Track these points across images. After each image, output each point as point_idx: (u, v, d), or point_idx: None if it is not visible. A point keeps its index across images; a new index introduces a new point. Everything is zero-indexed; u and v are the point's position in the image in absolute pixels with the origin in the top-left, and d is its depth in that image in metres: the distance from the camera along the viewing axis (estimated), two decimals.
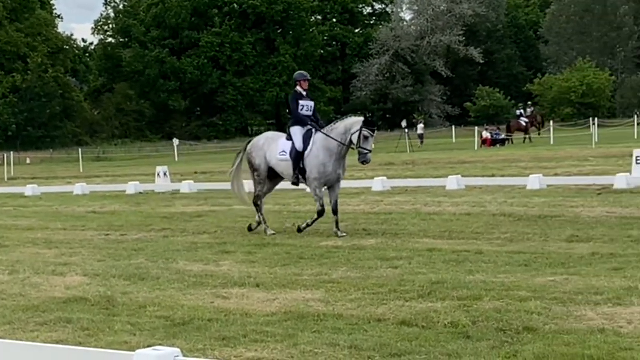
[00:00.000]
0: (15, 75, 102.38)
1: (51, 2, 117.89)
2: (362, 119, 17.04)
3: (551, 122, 66.73)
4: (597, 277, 11.04)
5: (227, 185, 30.15)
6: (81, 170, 56.79)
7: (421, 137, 74.06)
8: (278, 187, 18.89)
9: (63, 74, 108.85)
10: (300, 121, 17.36)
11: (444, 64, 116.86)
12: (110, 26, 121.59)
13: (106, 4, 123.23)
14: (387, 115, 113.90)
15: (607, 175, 24.62)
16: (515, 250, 13.54)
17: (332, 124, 17.38)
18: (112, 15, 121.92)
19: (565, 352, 7.76)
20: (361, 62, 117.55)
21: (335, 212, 16.92)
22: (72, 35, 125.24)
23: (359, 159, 17.03)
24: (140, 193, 30.73)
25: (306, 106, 17.44)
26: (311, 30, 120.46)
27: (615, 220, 16.57)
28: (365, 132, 16.75)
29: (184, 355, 6.17)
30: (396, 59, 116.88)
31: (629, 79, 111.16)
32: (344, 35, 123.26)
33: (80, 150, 71.18)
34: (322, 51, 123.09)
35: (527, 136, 62.54)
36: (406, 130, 61.97)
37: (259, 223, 17.72)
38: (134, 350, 6.30)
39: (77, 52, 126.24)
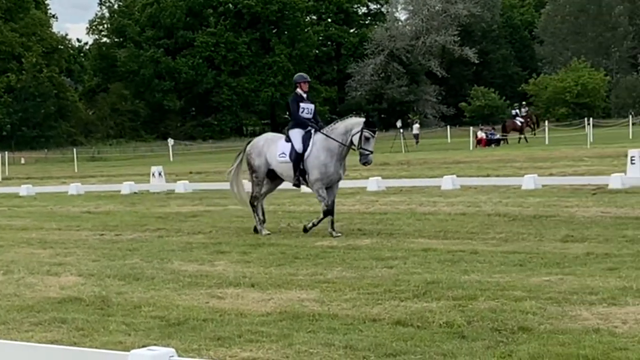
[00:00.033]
0: (10, 75, 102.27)
1: (46, 2, 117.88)
2: (362, 119, 17.00)
3: (546, 122, 66.82)
4: (592, 277, 11.04)
5: (222, 185, 30.19)
6: (76, 170, 56.71)
7: (416, 137, 74.07)
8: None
9: (57, 73, 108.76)
10: (300, 124, 17.30)
11: (439, 64, 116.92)
12: (105, 26, 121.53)
13: (101, 3, 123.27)
14: (382, 115, 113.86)
15: (601, 175, 24.64)
16: (510, 250, 13.54)
17: (331, 124, 17.33)
18: (107, 15, 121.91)
19: (560, 351, 7.77)
20: (356, 62, 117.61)
21: (332, 212, 16.91)
22: (66, 35, 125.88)
23: (360, 160, 17.00)
24: (135, 193, 30.70)
25: (307, 109, 17.39)
26: (306, 30, 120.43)
27: (610, 220, 16.58)
28: (367, 133, 16.72)
29: (179, 355, 6.16)
30: (391, 58, 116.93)
31: (624, 79, 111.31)
32: (339, 35, 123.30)
33: (74, 150, 71.10)
34: (317, 51, 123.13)
35: (523, 136, 62.56)
36: (401, 130, 61.97)
37: (263, 221, 17.66)
38: (128, 350, 6.28)
39: (71, 51, 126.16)
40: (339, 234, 16.40)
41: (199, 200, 26.10)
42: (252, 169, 17.79)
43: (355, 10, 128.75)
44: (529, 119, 65.34)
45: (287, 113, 19.95)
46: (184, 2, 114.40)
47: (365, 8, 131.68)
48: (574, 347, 7.89)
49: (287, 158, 17.17)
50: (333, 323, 9.27)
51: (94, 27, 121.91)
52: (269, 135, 18.88)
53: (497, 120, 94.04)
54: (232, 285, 11.70)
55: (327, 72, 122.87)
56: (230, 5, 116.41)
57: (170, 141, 77.50)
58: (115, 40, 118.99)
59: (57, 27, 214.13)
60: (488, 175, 28.57)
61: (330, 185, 17.05)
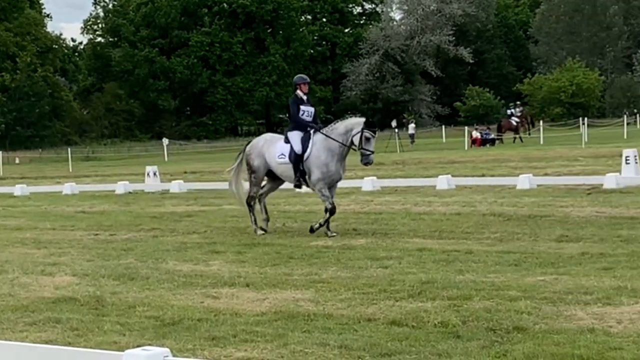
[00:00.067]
0: (4, 75, 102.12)
1: (40, 2, 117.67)
2: (362, 119, 16.97)
3: (541, 122, 66.83)
4: (587, 276, 11.05)
5: (217, 185, 30.20)
6: (70, 170, 56.65)
7: (412, 136, 74.07)
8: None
9: (52, 73, 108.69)
10: (300, 126, 17.27)
11: (434, 64, 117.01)
12: (100, 25, 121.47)
13: (95, 3, 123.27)
14: (377, 115, 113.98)
15: (596, 175, 24.66)
16: (505, 250, 13.54)
17: (331, 125, 17.30)
18: (102, 14, 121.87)
19: (555, 351, 7.76)
20: (351, 62, 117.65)
21: (327, 211, 16.91)
22: (61, 34, 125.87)
23: (361, 161, 16.98)
24: (130, 193, 30.68)
25: (307, 111, 17.36)
26: (301, 29, 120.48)
27: (605, 220, 16.59)
28: (367, 134, 16.70)
29: (174, 355, 6.15)
30: (386, 58, 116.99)
31: (618, 79, 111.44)
32: (333, 34, 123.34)
33: (69, 149, 71.11)
34: (311, 51, 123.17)
35: (518, 136, 62.60)
36: (396, 130, 61.98)
37: (266, 220, 17.61)
38: (123, 350, 6.27)
39: (66, 51, 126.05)
40: (334, 234, 16.39)
41: (193, 200, 26.08)
42: (251, 170, 17.77)
43: (350, 10, 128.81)
44: (524, 119, 65.38)
45: (287, 114, 19.93)
46: (178, 1, 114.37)
47: (360, 8, 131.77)
48: (569, 346, 7.89)
49: (287, 159, 17.14)
50: (328, 323, 9.26)
51: (88, 27, 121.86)
52: (269, 136, 18.85)
53: (492, 120, 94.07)
54: (227, 285, 11.69)
55: (322, 71, 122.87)
56: (225, 5, 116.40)
57: (165, 141, 77.46)
58: (110, 39, 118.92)
59: (52, 27, 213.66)
60: (483, 175, 28.58)
61: (331, 185, 17.02)
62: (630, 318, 8.84)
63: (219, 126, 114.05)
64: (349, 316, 9.52)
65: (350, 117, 17.39)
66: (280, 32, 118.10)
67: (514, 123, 63.56)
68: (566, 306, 9.47)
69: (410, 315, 9.38)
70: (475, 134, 62.87)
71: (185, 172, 41.80)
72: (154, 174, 33.50)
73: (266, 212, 17.75)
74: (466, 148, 57.04)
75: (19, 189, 33.40)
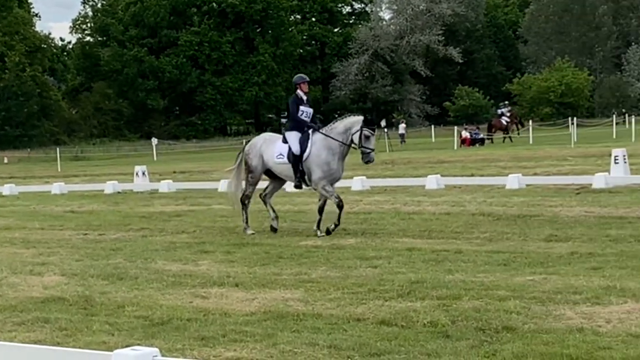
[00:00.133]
0: None
1: (29, 1, 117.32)
2: (361, 118, 16.95)
3: (530, 122, 66.92)
4: (576, 276, 11.06)
5: (206, 185, 30.22)
6: (59, 170, 56.57)
7: (402, 136, 74.05)
8: (258, 185, 18.73)
9: (41, 72, 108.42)
10: (299, 125, 17.24)
11: (423, 64, 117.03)
12: (89, 25, 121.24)
13: (84, 2, 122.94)
14: (367, 115, 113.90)
15: (585, 175, 24.69)
16: (494, 250, 13.55)
17: (330, 124, 17.28)
18: (90, 13, 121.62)
19: (544, 351, 7.77)
20: (340, 62, 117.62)
21: (321, 211, 16.89)
22: (49, 34, 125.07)
23: (362, 159, 16.93)
24: (119, 192, 30.63)
25: (305, 112, 17.35)
26: (290, 29, 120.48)
27: (594, 220, 16.61)
28: (366, 132, 16.67)
29: (163, 355, 6.14)
30: (375, 58, 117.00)
31: (608, 79, 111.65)
32: (323, 34, 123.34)
33: (58, 149, 70.95)
34: (301, 50, 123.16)
35: (508, 135, 62.67)
36: (385, 130, 61.97)
37: (275, 218, 17.55)
38: (112, 350, 6.26)
39: (54, 50, 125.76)
40: (324, 234, 16.39)
41: (182, 199, 26.05)
42: (249, 169, 17.73)
43: (339, 9, 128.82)
44: (514, 119, 65.46)
45: (286, 113, 19.92)
46: (167, 1, 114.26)
47: (349, 7, 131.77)
48: (558, 346, 7.90)
49: (285, 159, 17.11)
50: (317, 323, 9.26)
51: (77, 26, 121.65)
52: (268, 135, 18.80)
53: (482, 120, 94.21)
54: (216, 284, 11.68)
55: (312, 71, 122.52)
56: (214, 5, 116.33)
57: (154, 140, 77.37)
58: (99, 39, 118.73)
59: (40, 26, 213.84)
60: (472, 175, 28.60)
61: (332, 184, 16.99)
62: (619, 317, 8.86)
63: (208, 126, 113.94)
64: (338, 316, 9.52)
65: (350, 115, 17.38)
66: (270, 31, 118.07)
67: (504, 123, 63.64)
68: (555, 306, 9.48)
69: (399, 314, 9.38)
70: (465, 134, 62.88)
71: (175, 172, 41.74)
72: (143, 173, 33.46)
73: (274, 211, 17.64)
74: (455, 148, 57.07)
75: (7, 189, 33.33)
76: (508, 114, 64.80)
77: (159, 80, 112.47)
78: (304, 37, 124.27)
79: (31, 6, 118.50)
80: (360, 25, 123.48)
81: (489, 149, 50.99)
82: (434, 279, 11.30)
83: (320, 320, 9.39)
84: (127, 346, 7.02)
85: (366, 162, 17.04)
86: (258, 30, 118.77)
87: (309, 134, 17.02)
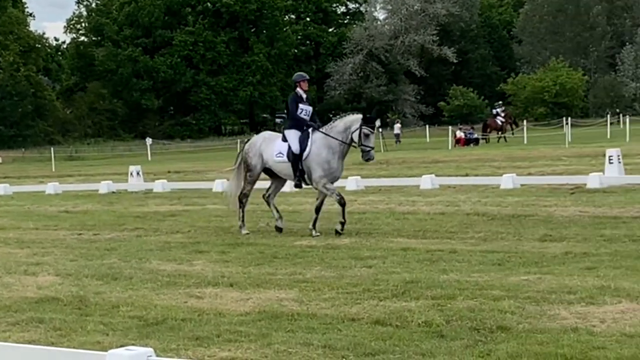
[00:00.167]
0: None
1: (23, 0, 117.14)
2: (360, 116, 16.93)
3: (524, 122, 66.96)
4: (570, 276, 11.07)
5: (200, 185, 30.20)
6: (53, 170, 56.48)
7: (397, 136, 74.01)
8: (259, 186, 18.69)
9: (35, 72, 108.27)
10: (298, 124, 17.21)
11: (418, 64, 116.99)
12: (83, 25, 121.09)
13: (78, 2, 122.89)
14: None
15: (580, 175, 24.73)
16: (489, 250, 13.56)
17: (330, 123, 17.27)
18: (85, 13, 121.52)
19: (538, 350, 7.78)
20: (335, 62, 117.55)
21: (318, 210, 16.87)
22: (44, 33, 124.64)
23: (362, 157, 16.90)
24: (113, 192, 30.61)
25: (305, 110, 17.32)
26: (285, 29, 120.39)
27: (588, 220, 16.63)
28: (366, 130, 16.65)
29: (157, 355, 6.14)
30: (370, 58, 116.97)
31: (602, 79, 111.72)
32: (317, 34, 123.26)
33: (52, 149, 70.87)
34: (295, 50, 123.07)
35: (502, 135, 62.72)
36: (380, 130, 61.93)
37: (279, 218, 17.51)
38: (106, 350, 6.26)
39: (49, 50, 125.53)
40: (318, 234, 16.39)
41: (177, 199, 26.03)
42: (248, 168, 17.69)
43: (334, 9, 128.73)
44: (508, 119, 65.53)
45: (285, 111, 19.87)
46: (162, 1, 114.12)
47: (344, 7, 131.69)
48: (553, 346, 7.90)
49: (285, 158, 17.09)
50: (312, 322, 9.26)
51: (71, 26, 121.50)
52: (267, 134, 18.73)
53: (476, 120, 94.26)
54: (211, 284, 11.68)
55: (306, 71, 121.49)
56: (209, 4, 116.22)
57: (149, 140, 77.30)
58: (93, 39, 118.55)
59: (35, 26, 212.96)
60: (467, 175, 28.62)
61: (332, 183, 16.96)
62: (614, 317, 8.86)
63: (202, 126, 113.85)
64: (333, 316, 9.52)
65: (349, 114, 17.36)
66: (264, 31, 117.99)
67: (500, 123, 63.70)
68: (550, 305, 9.49)
69: (394, 314, 9.38)
70: (459, 134, 62.95)
71: (169, 172, 41.71)
72: (138, 173, 33.44)
73: (277, 211, 17.58)
74: (450, 148, 57.10)
75: (1, 189, 33.28)
76: (502, 114, 64.88)
77: (154, 80, 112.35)
78: (299, 37, 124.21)
79: (25, 6, 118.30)
80: (354, 25, 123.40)
81: (483, 149, 51.03)
82: (429, 278, 11.30)
83: (315, 320, 9.38)
84: (121, 346, 7.02)
85: (366, 160, 17.04)
86: (252, 30, 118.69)
87: (309, 133, 16.99)
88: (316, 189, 17.16)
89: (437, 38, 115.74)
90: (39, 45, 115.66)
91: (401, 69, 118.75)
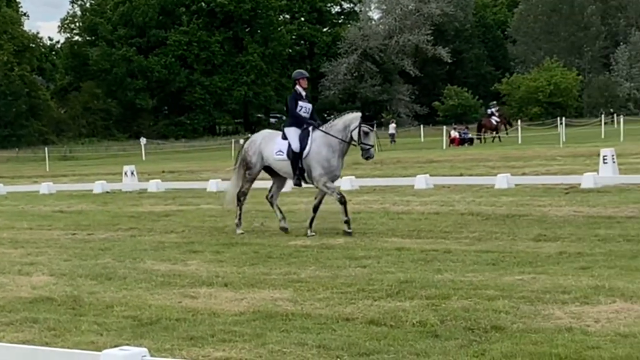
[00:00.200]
0: None
1: (17, 0, 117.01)
2: (359, 114, 16.92)
3: (519, 122, 67.02)
4: (565, 276, 11.07)
5: (195, 185, 30.18)
6: (47, 169, 56.45)
7: (392, 136, 73.97)
8: (261, 186, 18.64)
9: (29, 72, 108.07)
10: (298, 121, 17.19)
11: (412, 63, 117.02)
12: (77, 24, 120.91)
13: (73, 2, 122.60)
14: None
15: (574, 175, 24.73)
16: (483, 249, 13.56)
17: (330, 121, 17.27)
18: (79, 13, 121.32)
19: (532, 350, 7.78)
20: (329, 61, 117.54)
21: (316, 210, 16.86)
22: (38, 33, 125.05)
23: (362, 155, 16.90)
24: (107, 192, 30.58)
25: (304, 107, 17.30)
26: (279, 29, 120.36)
27: (583, 220, 16.64)
28: (365, 128, 16.64)
29: (151, 355, 6.13)
30: (364, 58, 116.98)
31: (596, 79, 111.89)
32: (312, 34, 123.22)
33: (46, 149, 70.81)
34: (290, 50, 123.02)
35: (497, 135, 62.77)
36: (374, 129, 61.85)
37: (282, 219, 17.47)
38: (100, 350, 6.25)
39: (43, 50, 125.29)
40: (313, 234, 16.38)
41: (171, 199, 26.01)
42: (247, 166, 17.65)
43: (328, 9, 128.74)
44: (503, 119, 65.60)
45: (285, 109, 19.81)
46: (156, 0, 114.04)
47: (338, 7, 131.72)
48: (547, 345, 7.90)
49: (285, 156, 17.06)
50: (306, 322, 9.25)
51: (65, 26, 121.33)
52: (267, 132, 18.69)
53: (470, 120, 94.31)
54: (205, 284, 11.67)
55: None
56: (203, 4, 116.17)
57: (143, 140, 77.23)
58: (87, 38, 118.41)
59: (29, 26, 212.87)
60: (461, 175, 28.63)
61: (332, 181, 16.94)
62: (608, 317, 8.87)
63: (197, 125, 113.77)
64: (328, 316, 9.52)
65: (349, 112, 17.35)
66: (259, 31, 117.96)
67: (495, 122, 63.76)
68: (544, 305, 9.49)
69: (388, 314, 9.38)
70: (454, 134, 62.97)
71: (163, 172, 41.67)
72: (132, 173, 33.41)
73: (281, 212, 17.51)
74: (444, 147, 57.12)
75: None
76: (497, 114, 64.94)
77: (148, 80, 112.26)
78: (293, 36, 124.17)
79: (19, 5, 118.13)
80: (349, 25, 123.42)
81: (477, 149, 51.05)
82: (423, 278, 11.30)
83: (309, 320, 9.38)
84: (115, 346, 7.02)
85: (366, 158, 17.03)
86: (247, 29, 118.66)
87: (309, 131, 16.97)
88: (317, 187, 17.12)
89: (432, 38, 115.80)
90: (33, 45, 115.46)
91: (395, 69, 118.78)
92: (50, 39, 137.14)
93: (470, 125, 73.27)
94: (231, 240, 16.21)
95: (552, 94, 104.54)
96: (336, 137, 16.76)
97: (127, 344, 7.66)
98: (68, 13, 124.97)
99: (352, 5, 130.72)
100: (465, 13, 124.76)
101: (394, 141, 71.76)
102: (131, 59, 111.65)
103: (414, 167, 34.00)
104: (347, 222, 16.44)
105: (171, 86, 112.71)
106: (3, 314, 10.35)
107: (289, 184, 18.68)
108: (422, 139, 74.94)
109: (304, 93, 17.43)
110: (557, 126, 57.89)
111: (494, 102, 71.98)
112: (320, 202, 17.01)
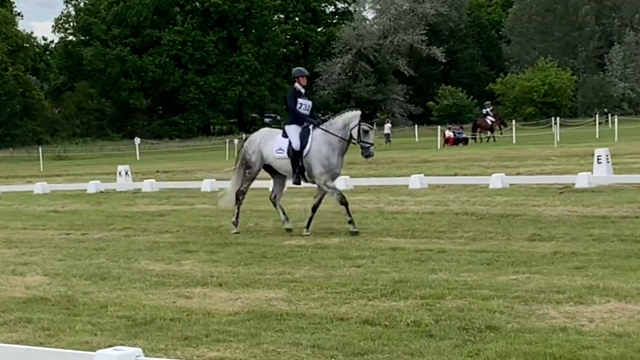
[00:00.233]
0: None
1: (11, 0, 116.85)
2: (359, 112, 16.89)
3: (513, 122, 67.09)
4: (559, 275, 11.08)
5: (189, 184, 30.16)
6: (41, 169, 56.38)
7: (387, 136, 73.95)
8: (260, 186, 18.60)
9: (23, 72, 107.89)
10: (298, 119, 17.18)
11: (407, 63, 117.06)
12: (71, 24, 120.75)
13: (67, 1, 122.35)
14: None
15: (568, 175, 24.76)
16: (478, 249, 13.56)
17: (329, 120, 17.25)
18: (73, 13, 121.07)
19: (527, 350, 7.78)
20: (324, 61, 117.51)
21: (314, 209, 16.84)
22: (32, 33, 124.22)
23: (362, 154, 16.86)
24: (102, 192, 30.55)
25: (304, 104, 17.28)
26: (273, 28, 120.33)
27: (577, 219, 16.65)
28: (364, 126, 16.61)
29: (146, 355, 6.12)
30: (359, 57, 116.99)
31: (590, 79, 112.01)
32: (306, 34, 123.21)
33: (40, 149, 70.67)
34: (284, 50, 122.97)
35: (492, 135, 62.83)
36: None
37: (286, 220, 17.46)
38: (94, 351, 6.24)
39: (37, 50, 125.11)
40: (308, 233, 16.37)
41: (166, 199, 25.99)
42: (247, 165, 17.62)
43: (322, 9, 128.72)
44: (497, 119, 65.68)
45: (284, 107, 19.76)
46: (150, 0, 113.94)
47: (332, 7, 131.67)
48: (541, 345, 7.90)
49: (285, 154, 17.02)
50: (301, 322, 9.25)
51: (59, 26, 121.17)
52: (266, 130, 18.63)
53: (465, 120, 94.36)
54: (200, 284, 11.66)
55: None
56: (197, 4, 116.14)
57: (137, 140, 77.18)
58: (82, 38, 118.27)
59: (23, 25, 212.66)
60: (456, 174, 28.63)
61: (332, 180, 16.92)
62: (602, 317, 8.87)
63: (191, 125, 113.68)
64: (322, 315, 9.51)
65: (348, 111, 17.33)
66: (253, 31, 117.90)
67: (490, 122, 63.84)
68: (538, 305, 9.49)
69: (383, 314, 9.38)
70: (448, 134, 63.00)
71: (158, 172, 41.64)
72: (126, 173, 33.39)
73: (284, 213, 17.45)
74: (439, 147, 57.14)
75: None
76: (492, 114, 65.03)
77: (142, 80, 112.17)
78: (287, 36, 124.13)
79: (13, 5, 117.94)
80: (343, 25, 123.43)
81: (472, 149, 51.09)
82: (418, 278, 11.30)
83: (304, 319, 9.38)
84: (109, 346, 7.00)
85: (366, 157, 16.97)
86: (241, 29, 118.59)
87: (309, 129, 16.95)
88: (318, 186, 17.08)
89: (426, 38, 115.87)
90: (27, 45, 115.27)
91: (390, 69, 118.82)
92: (44, 39, 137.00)
93: (464, 125, 73.26)
94: (225, 240, 16.20)
95: (547, 94, 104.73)
96: (336, 135, 16.74)
97: (121, 344, 7.65)
98: (62, 13, 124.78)
99: (346, 5, 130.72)
100: (459, 13, 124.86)
101: (389, 141, 71.74)
102: (125, 58, 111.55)
103: (408, 167, 34.01)
104: (351, 222, 16.42)
105: (165, 86, 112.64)
106: None
107: (289, 184, 18.67)
108: (417, 139, 75.02)
109: (303, 90, 17.41)
110: (551, 126, 58.00)
111: (488, 102, 72.08)
112: (319, 202, 16.99)
